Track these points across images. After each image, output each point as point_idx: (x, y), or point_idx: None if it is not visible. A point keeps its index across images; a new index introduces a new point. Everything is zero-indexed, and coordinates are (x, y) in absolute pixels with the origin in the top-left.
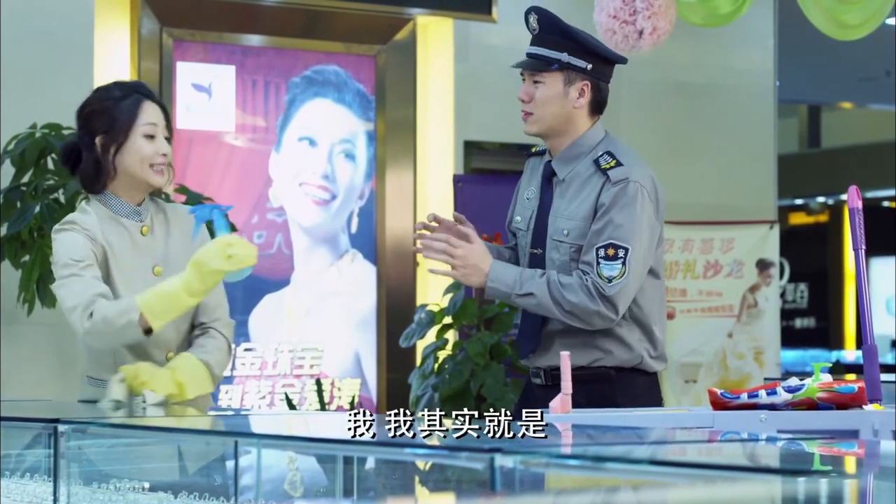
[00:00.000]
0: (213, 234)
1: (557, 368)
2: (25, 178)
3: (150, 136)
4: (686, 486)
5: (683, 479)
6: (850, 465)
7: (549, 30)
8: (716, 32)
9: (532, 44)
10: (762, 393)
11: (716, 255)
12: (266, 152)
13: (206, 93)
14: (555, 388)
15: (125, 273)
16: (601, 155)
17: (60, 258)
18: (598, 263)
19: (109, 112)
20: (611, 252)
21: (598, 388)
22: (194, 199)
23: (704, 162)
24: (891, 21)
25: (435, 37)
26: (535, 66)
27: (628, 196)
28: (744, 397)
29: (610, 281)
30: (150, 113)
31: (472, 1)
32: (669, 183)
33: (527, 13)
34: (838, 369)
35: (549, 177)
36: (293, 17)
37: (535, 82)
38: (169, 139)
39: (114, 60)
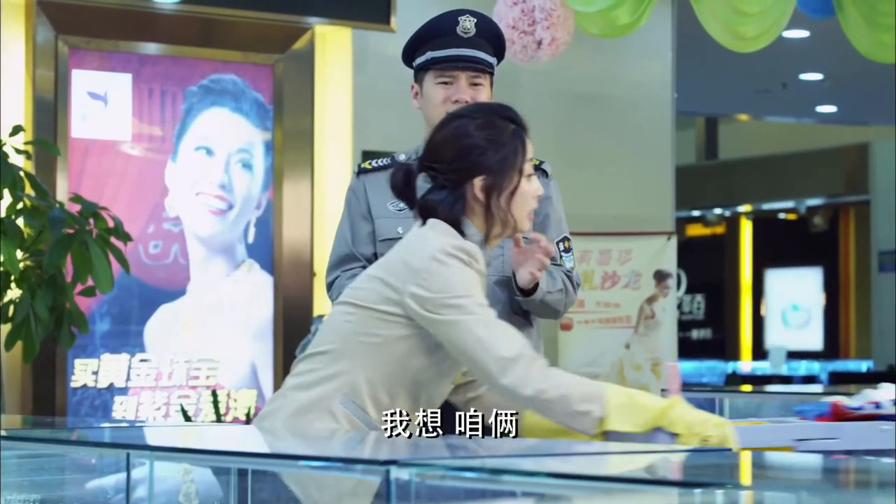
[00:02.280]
0: None
1: None
2: None
3: (528, 176)
4: (585, 499)
5: (582, 491)
6: (746, 477)
7: (486, 34)
8: (614, 44)
9: (465, 46)
10: (886, 402)
11: (613, 265)
12: (162, 161)
13: (102, 101)
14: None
15: None
16: None
17: (457, 289)
18: (562, 257)
19: (498, 147)
20: (567, 245)
21: None
22: (89, 209)
23: (602, 173)
24: (787, 34)
25: (333, 46)
26: (485, 68)
27: (557, 189)
28: (868, 407)
29: (572, 272)
30: (529, 147)
31: (370, 11)
32: (567, 194)
33: (458, 16)
34: (735, 380)
35: None
36: (190, 25)
37: (473, 85)
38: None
39: (8, 68)
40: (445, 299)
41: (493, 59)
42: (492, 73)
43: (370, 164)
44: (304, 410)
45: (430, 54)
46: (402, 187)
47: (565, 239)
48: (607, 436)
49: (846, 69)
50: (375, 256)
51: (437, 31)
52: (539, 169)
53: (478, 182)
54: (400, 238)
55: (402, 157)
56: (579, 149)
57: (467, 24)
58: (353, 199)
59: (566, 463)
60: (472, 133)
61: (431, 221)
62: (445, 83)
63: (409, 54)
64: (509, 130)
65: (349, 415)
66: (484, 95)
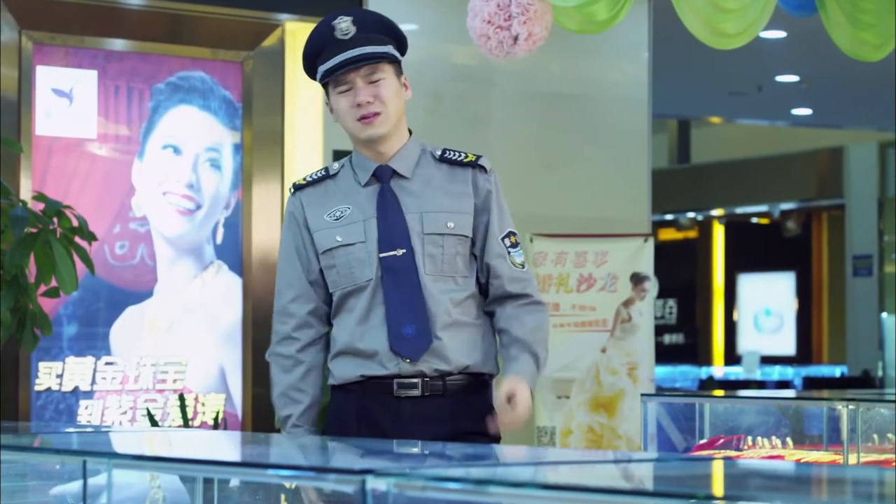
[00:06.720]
0: None
1: (449, 374)
2: None
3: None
4: None
5: (570, 503)
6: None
7: (370, 26)
8: (591, 43)
9: (348, 47)
10: None
11: (589, 268)
12: (129, 160)
13: (67, 98)
14: (435, 398)
15: None
16: (444, 151)
17: None
18: (510, 253)
19: None
20: (513, 239)
21: (484, 397)
22: (52, 208)
23: (578, 174)
24: (764, 34)
25: (303, 43)
26: (373, 60)
27: (499, 184)
28: None
29: (523, 266)
30: None
31: (341, 7)
32: (542, 195)
33: (332, 21)
34: (709, 385)
35: (387, 179)
36: (157, 21)
37: (372, 82)
38: None
39: None
40: None
41: (384, 48)
42: (393, 61)
43: (304, 179)
44: None
45: (320, 69)
46: None
47: (511, 234)
48: None
49: (823, 71)
50: (321, 272)
51: (319, 45)
52: (477, 165)
53: None
54: (340, 245)
55: (335, 167)
56: (554, 149)
57: (343, 26)
58: (293, 221)
59: (554, 472)
60: None
61: None
62: (345, 91)
63: (311, 76)
64: None
65: None
66: (387, 87)
